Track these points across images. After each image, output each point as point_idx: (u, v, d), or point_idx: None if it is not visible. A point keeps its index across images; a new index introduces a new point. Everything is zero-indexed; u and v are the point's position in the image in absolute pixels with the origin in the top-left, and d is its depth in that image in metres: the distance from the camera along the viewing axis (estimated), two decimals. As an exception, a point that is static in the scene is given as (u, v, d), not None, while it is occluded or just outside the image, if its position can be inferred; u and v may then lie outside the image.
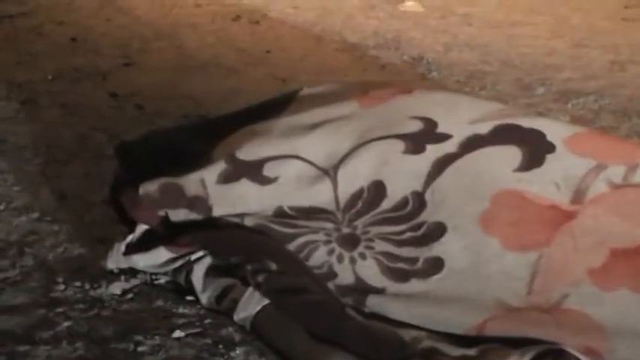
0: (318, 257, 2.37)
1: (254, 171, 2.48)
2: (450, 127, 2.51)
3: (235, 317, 2.29)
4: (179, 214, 2.47)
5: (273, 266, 2.30)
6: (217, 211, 2.46)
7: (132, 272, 2.56)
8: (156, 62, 4.67)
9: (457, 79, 4.55)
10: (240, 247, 2.36)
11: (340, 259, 2.36)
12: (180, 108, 3.99)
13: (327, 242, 2.38)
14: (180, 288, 2.49)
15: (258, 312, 2.27)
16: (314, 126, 2.58)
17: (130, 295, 2.47)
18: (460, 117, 2.54)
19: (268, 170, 2.49)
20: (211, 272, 2.42)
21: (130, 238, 2.57)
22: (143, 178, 2.57)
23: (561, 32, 5.54)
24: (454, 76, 4.58)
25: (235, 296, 2.33)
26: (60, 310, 2.40)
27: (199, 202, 2.46)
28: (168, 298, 2.46)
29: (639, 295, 2.18)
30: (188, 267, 2.46)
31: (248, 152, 2.52)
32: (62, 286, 2.51)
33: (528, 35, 5.43)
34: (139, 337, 2.27)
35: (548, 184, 2.37)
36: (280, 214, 2.45)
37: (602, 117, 4.14)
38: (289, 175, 2.48)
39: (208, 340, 2.26)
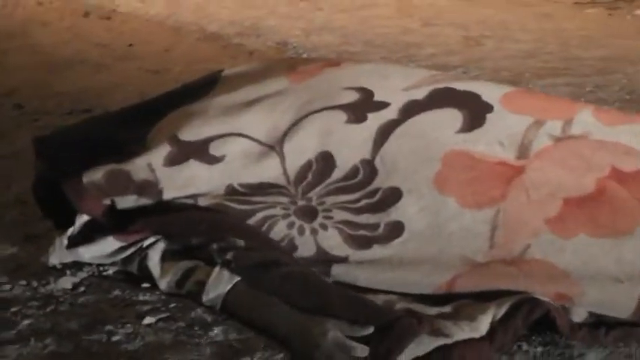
0: (279, 231, 2.36)
1: (200, 151, 2.44)
2: (386, 95, 2.54)
3: (204, 298, 2.25)
4: (127, 201, 2.41)
5: (241, 242, 2.28)
6: (168, 195, 2.41)
7: (77, 266, 2.48)
8: (16, 61, 4.51)
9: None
10: (201, 228, 2.32)
11: (301, 231, 2.36)
12: (61, 105, 3.89)
13: (286, 216, 2.38)
14: (133, 277, 2.43)
15: (229, 290, 2.23)
16: (249, 103, 2.57)
17: (82, 289, 2.39)
18: (394, 85, 2.58)
19: (214, 149, 2.46)
20: (168, 256, 2.37)
21: (70, 231, 2.47)
22: (72, 171, 2.49)
23: (409, 12, 5.69)
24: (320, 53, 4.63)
25: (200, 278, 2.29)
26: (14, 309, 2.29)
27: (149, 187, 2.40)
28: (124, 287, 2.39)
29: (597, 240, 2.27)
30: (141, 254, 2.40)
31: (190, 133, 2.48)
32: (8, 286, 2.41)
33: (379, 16, 5.56)
34: (110, 327, 2.19)
35: (492, 142, 2.43)
36: (232, 192, 2.42)
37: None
38: (235, 153, 2.46)
39: (181, 324, 2.21)
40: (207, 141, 2.47)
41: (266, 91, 2.61)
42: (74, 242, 2.47)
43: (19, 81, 4.15)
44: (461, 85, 2.58)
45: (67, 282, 2.41)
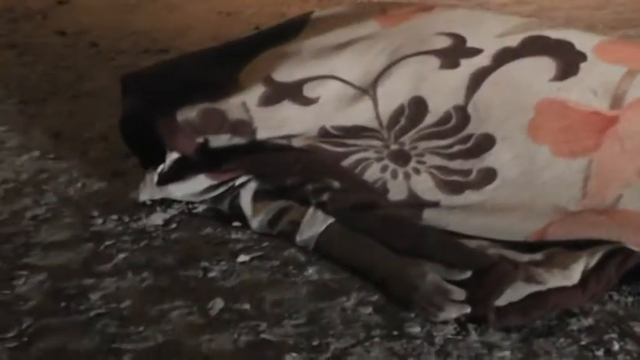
0: (372, 174, 2.37)
1: (295, 92, 2.44)
2: (479, 42, 2.53)
3: (298, 238, 2.26)
4: (220, 140, 2.43)
5: (336, 184, 2.29)
6: (261, 134, 2.42)
7: (166, 202, 2.50)
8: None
9: None
10: (296, 168, 2.33)
11: (394, 174, 2.36)
12: (137, 44, 3.90)
13: (379, 159, 2.38)
14: (223, 215, 2.44)
15: (324, 231, 2.24)
16: (341, 46, 2.56)
17: (173, 225, 2.41)
18: (487, 31, 2.56)
19: (308, 91, 2.46)
20: (260, 196, 2.39)
21: (160, 167, 2.49)
22: (163, 108, 2.50)
23: None
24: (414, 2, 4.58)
25: (293, 218, 2.30)
26: (108, 243, 2.33)
27: (243, 126, 2.41)
28: (215, 225, 2.41)
29: None
30: (232, 193, 2.42)
31: (284, 74, 2.48)
32: (99, 220, 2.44)
33: None
34: (205, 264, 2.21)
35: (586, 91, 2.42)
36: (325, 134, 2.43)
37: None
38: (329, 95, 2.46)
39: (275, 262, 2.22)
40: (301, 82, 2.47)
41: (357, 34, 2.60)
42: (164, 179, 2.49)
43: (92, 20, 4.16)
44: (554, 34, 2.55)
45: (158, 218, 2.44)
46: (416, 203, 2.35)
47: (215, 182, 2.44)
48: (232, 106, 2.43)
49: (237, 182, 2.41)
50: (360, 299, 2.07)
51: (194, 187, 2.45)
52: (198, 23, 4.17)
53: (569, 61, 2.48)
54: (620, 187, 2.29)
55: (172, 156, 2.51)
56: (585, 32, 2.68)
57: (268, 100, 2.44)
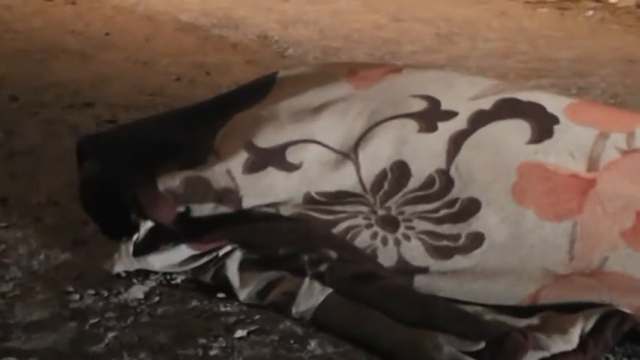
0: (362, 241, 2.34)
1: (278, 158, 2.40)
2: (453, 104, 2.55)
3: (294, 310, 2.21)
4: (205, 209, 2.36)
5: (333, 254, 2.25)
6: (248, 203, 2.36)
7: (142, 274, 2.41)
8: (-4, 48, 4.35)
9: (314, 55, 4.57)
10: (289, 238, 2.28)
11: (384, 241, 2.34)
12: (59, 97, 3.76)
13: (369, 226, 2.36)
14: (204, 286, 2.36)
15: (322, 302, 2.20)
16: (318, 109, 2.54)
17: (156, 299, 2.32)
18: (459, 93, 2.58)
19: (291, 156, 2.42)
20: (246, 266, 2.32)
21: (135, 237, 2.40)
22: (138, 175, 2.42)
23: (374, 7, 5.69)
24: (309, 53, 4.59)
25: (287, 289, 2.25)
26: (93, 321, 2.22)
27: (229, 194, 2.35)
28: (199, 297, 2.33)
29: None
30: (217, 263, 2.34)
31: (266, 139, 2.44)
32: (76, 296, 2.33)
33: (348, 11, 5.54)
34: (202, 341, 2.14)
35: (563, 153, 2.46)
36: (310, 200, 2.39)
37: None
38: (311, 160, 2.43)
39: (275, 337, 2.17)
40: (283, 147, 2.43)
41: (332, 96, 2.58)
42: (140, 249, 2.39)
43: (6, 70, 3.99)
44: (524, 96, 2.59)
45: (138, 291, 2.34)
46: (405, 270, 2.33)
47: (197, 252, 2.36)
48: (217, 173, 2.36)
49: (222, 252, 2.34)
50: (368, 373, 2.03)
51: (175, 257, 2.37)
52: (116, 73, 4.07)
53: (542, 123, 2.51)
54: (606, 250, 2.33)
55: (147, 225, 2.41)
56: (553, 95, 2.72)
57: (253, 167, 2.39)
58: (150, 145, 2.55)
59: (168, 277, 2.40)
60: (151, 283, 2.39)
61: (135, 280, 2.39)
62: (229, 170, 2.37)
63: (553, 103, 2.59)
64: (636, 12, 6.14)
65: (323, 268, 2.23)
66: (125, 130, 2.75)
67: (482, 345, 2.03)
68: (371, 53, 4.66)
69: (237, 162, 2.39)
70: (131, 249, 2.38)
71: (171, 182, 2.35)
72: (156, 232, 2.42)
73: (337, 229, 2.35)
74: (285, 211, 2.36)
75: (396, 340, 2.09)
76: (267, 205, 2.37)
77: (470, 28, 5.44)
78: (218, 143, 2.48)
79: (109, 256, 2.43)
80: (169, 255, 2.36)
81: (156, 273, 2.41)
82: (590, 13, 6.23)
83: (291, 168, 2.41)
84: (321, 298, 2.20)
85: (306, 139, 2.45)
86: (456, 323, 2.09)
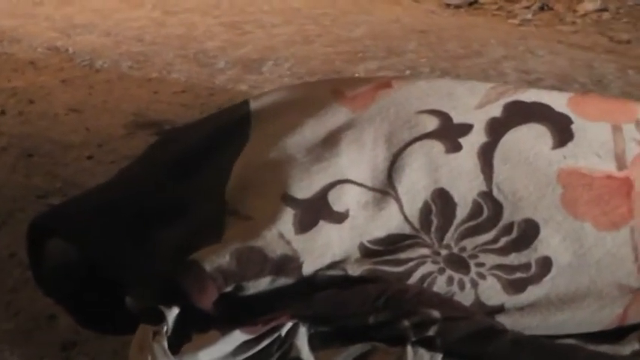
0: (439, 289, 2.06)
1: (325, 209, 2.05)
2: (464, 116, 2.31)
3: (398, 385, 1.90)
4: (260, 284, 1.96)
5: (436, 314, 1.94)
6: (308, 269, 1.99)
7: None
8: None
9: (126, 65, 4.09)
10: (381, 302, 1.95)
11: (461, 285, 2.08)
12: None
13: (441, 270, 2.07)
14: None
15: (436, 370, 1.91)
16: (329, 142, 2.20)
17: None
18: (463, 103, 2.34)
19: (335, 204, 2.07)
20: (317, 343, 1.97)
21: (164, 330, 1.97)
22: (131, 252, 2.00)
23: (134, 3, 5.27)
24: (119, 63, 4.11)
25: (382, 361, 1.93)
26: None
27: (289, 263, 1.97)
28: (268, 389, 1.94)
29: None
30: (281, 346, 1.96)
31: (301, 188, 2.07)
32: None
33: (110, 9, 5.07)
34: None
35: (589, 155, 2.29)
36: (368, 252, 2.07)
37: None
38: (353, 204, 2.10)
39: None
40: (323, 194, 2.07)
41: (333, 125, 2.25)
42: (172, 344, 1.96)
43: None
44: (526, 96, 2.40)
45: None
46: (482, 312, 2.08)
47: (252, 336, 1.96)
48: (269, 240, 1.96)
49: (284, 331, 1.96)
50: None
51: (226, 347, 1.96)
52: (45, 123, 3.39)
53: (558, 125, 2.33)
54: (668, 254, 2.21)
55: (173, 312, 1.98)
56: (552, 91, 2.54)
57: (304, 225, 2.01)
58: (136, 213, 2.10)
59: (215, 369, 1.98)
60: (196, 382, 1.95)
61: (175, 382, 1.95)
62: (281, 233, 1.98)
63: (555, 99, 2.41)
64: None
65: (432, 331, 1.92)
66: (93, 199, 2.23)
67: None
68: (183, 55, 4.25)
69: (285, 222, 2.00)
70: (166, 345, 1.94)
71: (219, 260, 1.92)
72: (183, 319, 1.99)
73: (412, 280, 2.04)
74: (353, 271, 2.01)
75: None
76: (329, 267, 2.00)
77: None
78: (235, 201, 2.07)
79: (116, 353, 1.98)
80: (221, 345, 1.95)
81: (198, 367, 1.97)
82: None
83: (340, 218, 2.06)
84: (435, 366, 1.90)
85: (339, 180, 2.11)
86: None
